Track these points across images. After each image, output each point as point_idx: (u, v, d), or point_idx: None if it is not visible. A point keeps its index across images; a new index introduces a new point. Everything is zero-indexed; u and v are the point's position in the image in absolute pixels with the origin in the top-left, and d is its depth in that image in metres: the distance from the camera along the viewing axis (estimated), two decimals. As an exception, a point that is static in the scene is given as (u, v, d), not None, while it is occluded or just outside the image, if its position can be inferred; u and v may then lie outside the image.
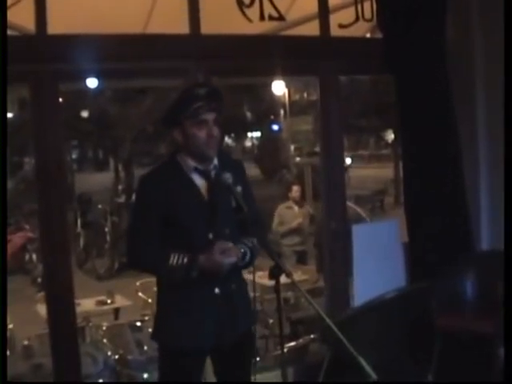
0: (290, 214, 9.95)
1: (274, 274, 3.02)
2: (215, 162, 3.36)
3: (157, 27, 5.37)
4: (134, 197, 3.80)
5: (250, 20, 5.58)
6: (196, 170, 3.32)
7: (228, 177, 3.21)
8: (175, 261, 3.22)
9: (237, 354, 3.44)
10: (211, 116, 3.27)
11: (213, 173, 3.34)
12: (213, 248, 3.22)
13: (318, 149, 6.99)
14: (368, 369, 2.80)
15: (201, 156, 3.31)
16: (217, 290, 3.32)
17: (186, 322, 3.31)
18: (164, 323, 3.42)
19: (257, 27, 5.67)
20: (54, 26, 4.82)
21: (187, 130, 3.26)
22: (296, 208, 10.05)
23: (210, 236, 3.31)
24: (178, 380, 3.38)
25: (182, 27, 5.28)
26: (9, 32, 4.88)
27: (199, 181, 3.34)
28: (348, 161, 32.95)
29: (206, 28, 5.30)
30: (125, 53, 5.01)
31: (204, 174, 3.33)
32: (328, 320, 2.89)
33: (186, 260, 3.22)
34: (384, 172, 25.11)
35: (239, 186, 3.28)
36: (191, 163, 3.32)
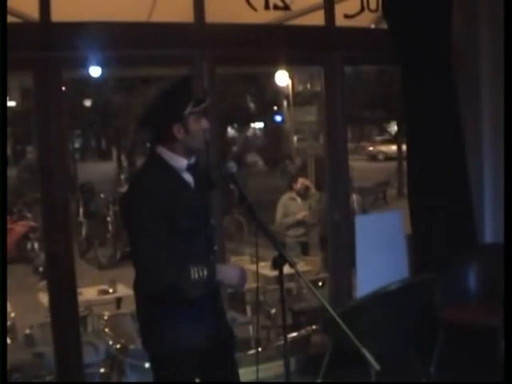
0: (294, 206, 9.90)
1: (278, 263, 2.99)
2: None
3: (161, 16, 5.35)
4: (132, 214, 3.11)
5: (254, 9, 5.56)
6: (188, 167, 3.18)
7: (232, 165, 3.16)
8: (196, 274, 3.01)
9: (222, 355, 3.36)
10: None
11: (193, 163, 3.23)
12: (232, 265, 3.14)
13: (321, 140, 6.97)
14: (371, 360, 2.80)
15: (196, 150, 3.21)
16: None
17: (177, 327, 3.16)
18: (155, 330, 3.22)
19: (261, 16, 5.66)
20: (58, 14, 4.80)
21: (189, 125, 3.12)
22: (299, 200, 10.00)
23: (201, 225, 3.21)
24: None
25: (187, 16, 5.26)
26: (13, 19, 4.88)
27: (188, 177, 3.20)
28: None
29: (211, 17, 5.29)
30: (129, 41, 5.00)
31: (192, 169, 3.21)
32: (331, 311, 2.88)
33: (205, 272, 3.04)
34: (387, 164, 25.05)
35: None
36: (184, 161, 3.17)
